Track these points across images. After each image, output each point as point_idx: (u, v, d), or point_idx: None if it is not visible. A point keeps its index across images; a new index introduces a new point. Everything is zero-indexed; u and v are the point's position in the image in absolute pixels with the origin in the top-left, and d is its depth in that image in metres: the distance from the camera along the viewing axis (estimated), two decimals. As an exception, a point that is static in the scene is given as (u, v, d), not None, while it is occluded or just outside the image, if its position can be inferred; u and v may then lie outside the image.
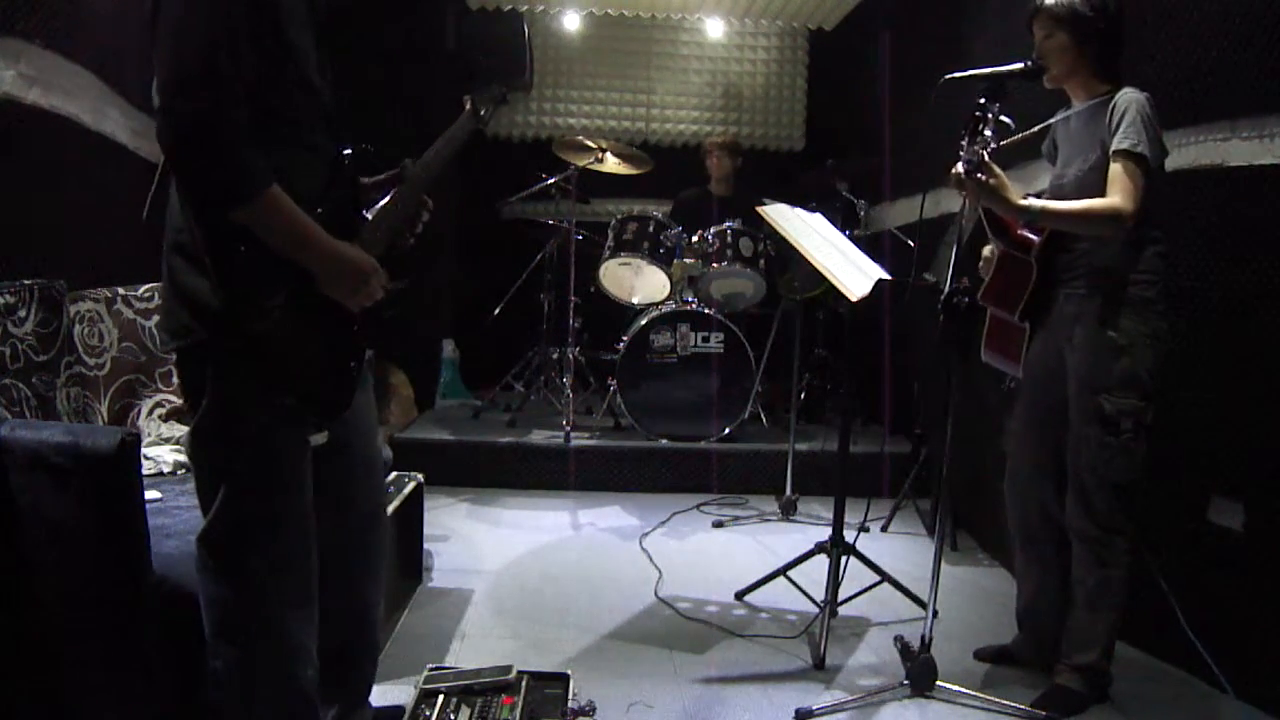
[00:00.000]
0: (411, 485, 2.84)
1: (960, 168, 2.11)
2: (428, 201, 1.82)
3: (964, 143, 2.09)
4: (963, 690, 2.30)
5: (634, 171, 4.76)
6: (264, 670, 1.62)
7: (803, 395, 4.71)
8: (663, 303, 4.50)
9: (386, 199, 1.76)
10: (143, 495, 1.74)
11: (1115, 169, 2.12)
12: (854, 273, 2.63)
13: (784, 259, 4.33)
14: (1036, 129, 2.39)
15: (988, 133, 2.08)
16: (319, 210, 1.56)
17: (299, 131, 1.58)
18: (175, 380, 2.86)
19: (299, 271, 1.54)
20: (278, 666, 1.64)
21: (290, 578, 1.63)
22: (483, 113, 1.88)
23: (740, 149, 5.17)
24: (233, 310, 1.47)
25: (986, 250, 2.44)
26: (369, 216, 1.73)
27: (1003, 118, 2.10)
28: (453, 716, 2.03)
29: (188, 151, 1.41)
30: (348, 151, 1.68)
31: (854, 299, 2.53)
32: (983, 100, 2.10)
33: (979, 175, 2.09)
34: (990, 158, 2.09)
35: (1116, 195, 2.10)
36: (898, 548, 3.59)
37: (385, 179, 1.81)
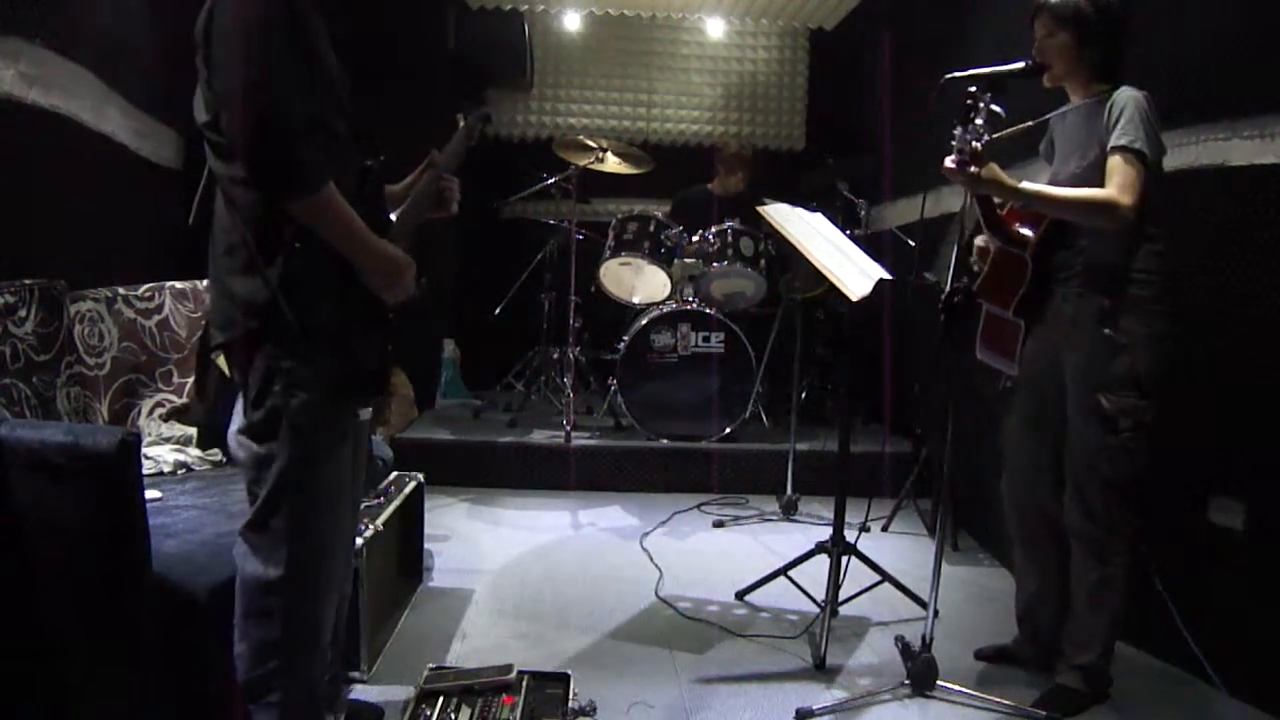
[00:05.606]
0: (412, 485, 2.84)
1: (951, 160, 2.09)
2: (451, 187, 1.94)
3: (956, 132, 2.08)
4: (963, 690, 2.30)
5: (634, 171, 4.76)
6: (289, 655, 1.68)
7: (803, 395, 4.71)
8: (663, 302, 4.49)
9: (404, 206, 1.86)
10: (143, 495, 1.74)
11: (1114, 162, 2.11)
12: (855, 273, 2.63)
13: (784, 259, 4.33)
14: (1032, 123, 2.38)
15: (979, 121, 2.07)
16: (358, 211, 1.65)
17: (335, 138, 1.64)
18: (175, 380, 2.87)
19: (345, 266, 1.64)
20: (302, 653, 1.70)
21: (332, 562, 1.74)
22: (473, 131, 2.01)
23: (753, 160, 5.11)
24: (289, 300, 1.57)
25: (979, 240, 2.42)
26: (392, 220, 1.83)
27: (994, 107, 2.09)
28: (453, 716, 2.03)
29: (263, 143, 1.49)
30: (369, 162, 1.77)
31: (855, 299, 2.53)
32: (974, 89, 2.09)
33: (971, 168, 2.08)
34: (984, 149, 2.08)
35: (1114, 188, 2.09)
36: (898, 547, 3.59)
37: (413, 178, 1.94)
